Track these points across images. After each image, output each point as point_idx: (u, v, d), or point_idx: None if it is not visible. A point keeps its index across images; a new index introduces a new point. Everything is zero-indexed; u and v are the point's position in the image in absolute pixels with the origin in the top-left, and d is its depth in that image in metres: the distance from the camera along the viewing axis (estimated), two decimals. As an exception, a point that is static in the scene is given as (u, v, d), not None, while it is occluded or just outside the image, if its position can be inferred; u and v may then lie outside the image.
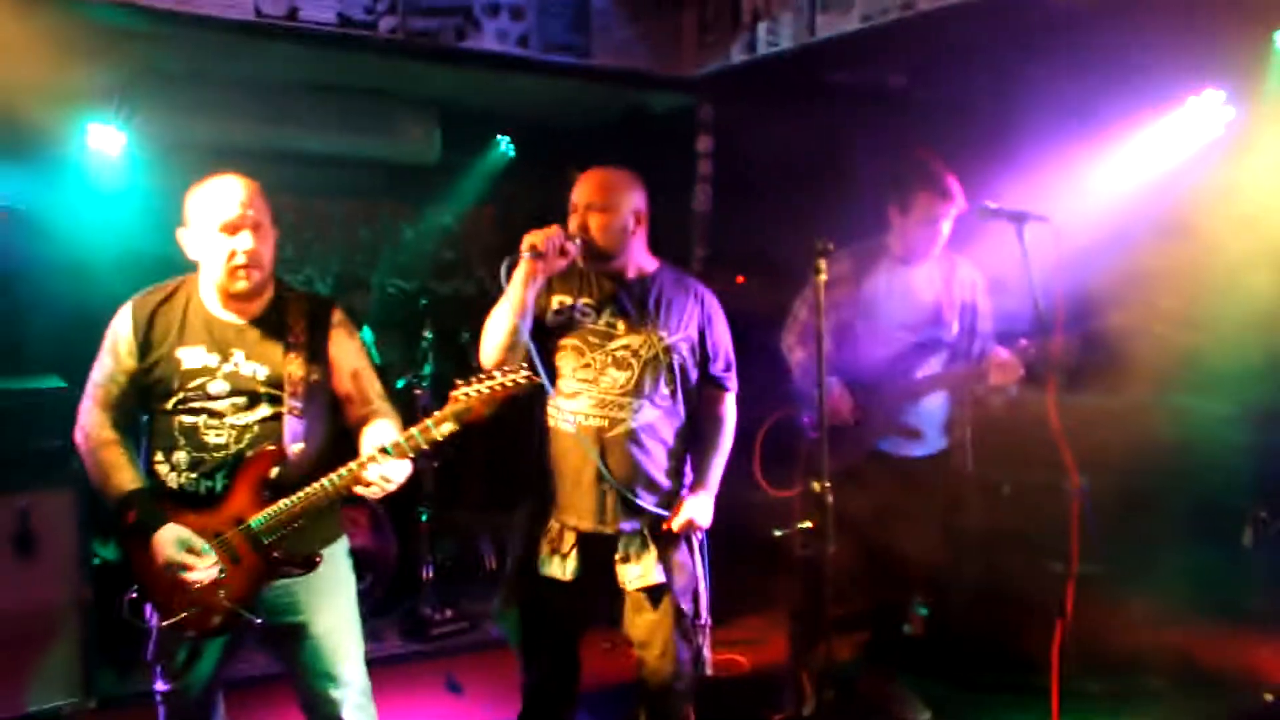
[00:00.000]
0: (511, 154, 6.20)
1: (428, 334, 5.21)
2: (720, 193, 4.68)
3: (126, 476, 2.55)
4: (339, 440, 2.72)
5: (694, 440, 3.13)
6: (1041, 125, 4.10)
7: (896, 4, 3.39)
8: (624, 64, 4.42)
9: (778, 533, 2.75)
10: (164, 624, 2.55)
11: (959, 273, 3.69)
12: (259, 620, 2.57)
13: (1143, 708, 4.00)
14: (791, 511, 3.48)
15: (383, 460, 2.49)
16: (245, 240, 2.52)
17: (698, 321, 3.06)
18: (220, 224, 2.50)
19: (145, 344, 2.57)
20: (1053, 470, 2.95)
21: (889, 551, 3.65)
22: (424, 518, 4.93)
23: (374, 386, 2.77)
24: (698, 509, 3.07)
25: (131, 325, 2.59)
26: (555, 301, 2.98)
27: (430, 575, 4.88)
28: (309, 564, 2.60)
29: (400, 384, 5.31)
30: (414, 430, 2.50)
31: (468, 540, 5.57)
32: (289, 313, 2.66)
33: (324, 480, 2.51)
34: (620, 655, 4.25)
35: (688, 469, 3.12)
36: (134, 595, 2.60)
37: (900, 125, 4.40)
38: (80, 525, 3.82)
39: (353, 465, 2.51)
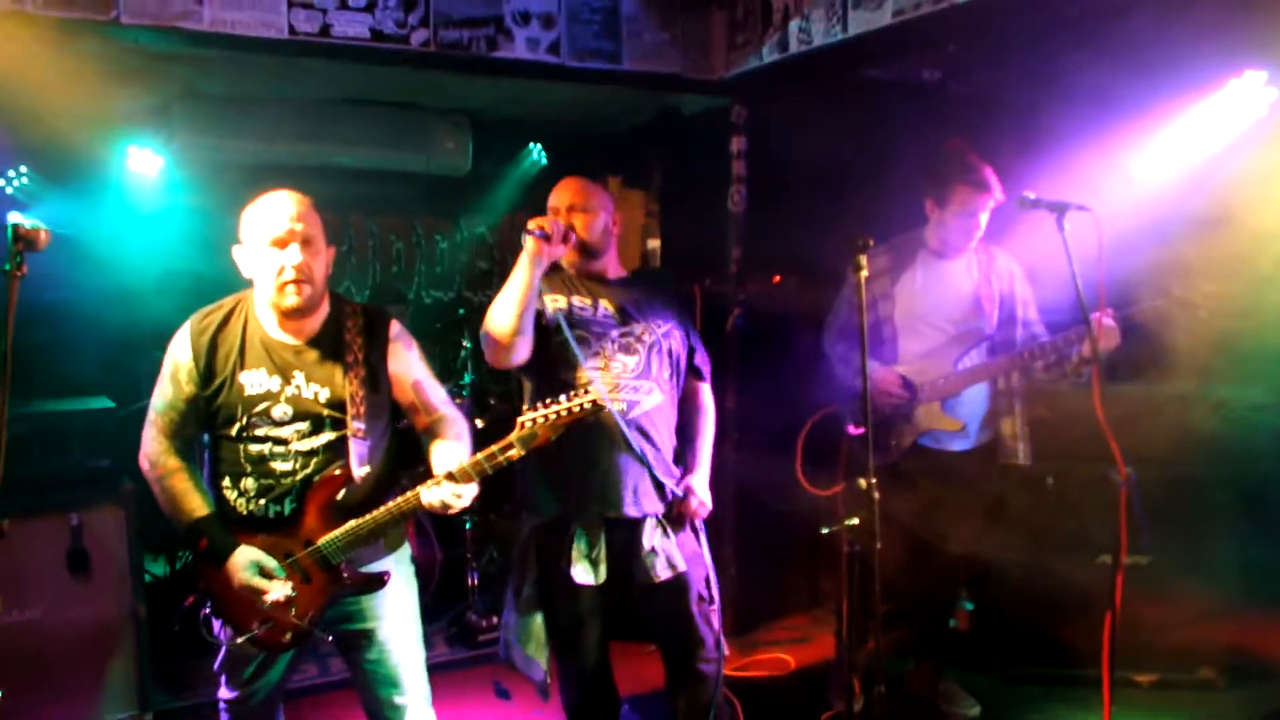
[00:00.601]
0: (544, 162, 6.22)
1: (466, 343, 5.25)
2: (755, 193, 4.66)
3: (195, 503, 2.59)
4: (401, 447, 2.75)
5: (683, 429, 3.27)
6: (1078, 114, 4.05)
7: (930, -4, 3.36)
8: (655, 68, 4.41)
9: (825, 530, 2.74)
10: (237, 640, 2.61)
11: (997, 264, 3.67)
12: (330, 638, 2.64)
13: (1193, 700, 3.94)
14: (834, 511, 3.48)
15: (446, 484, 2.50)
16: (294, 255, 2.53)
17: (678, 315, 3.21)
18: (270, 239, 2.52)
19: (207, 371, 2.59)
20: (1098, 462, 2.93)
21: (933, 547, 3.64)
22: (468, 525, 4.97)
23: (437, 394, 2.77)
24: (704, 490, 3.21)
25: (191, 351, 2.60)
26: (548, 301, 3.05)
27: (476, 582, 4.91)
28: (378, 583, 2.64)
29: (440, 394, 5.35)
30: (480, 456, 2.50)
31: (512, 547, 5.58)
32: (346, 330, 2.66)
33: (390, 505, 2.53)
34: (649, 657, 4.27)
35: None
36: (207, 611, 2.65)
37: (935, 119, 4.37)
38: (131, 542, 3.87)
39: (418, 490, 2.52)
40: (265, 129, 5.51)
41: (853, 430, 3.79)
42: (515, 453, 2.51)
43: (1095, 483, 3.00)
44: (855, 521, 2.66)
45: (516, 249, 2.93)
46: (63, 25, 3.57)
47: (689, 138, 5.39)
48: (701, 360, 3.27)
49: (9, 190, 5.19)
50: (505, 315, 2.85)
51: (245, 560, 2.52)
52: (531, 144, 6.21)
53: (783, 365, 4.32)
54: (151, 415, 2.66)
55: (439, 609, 5.02)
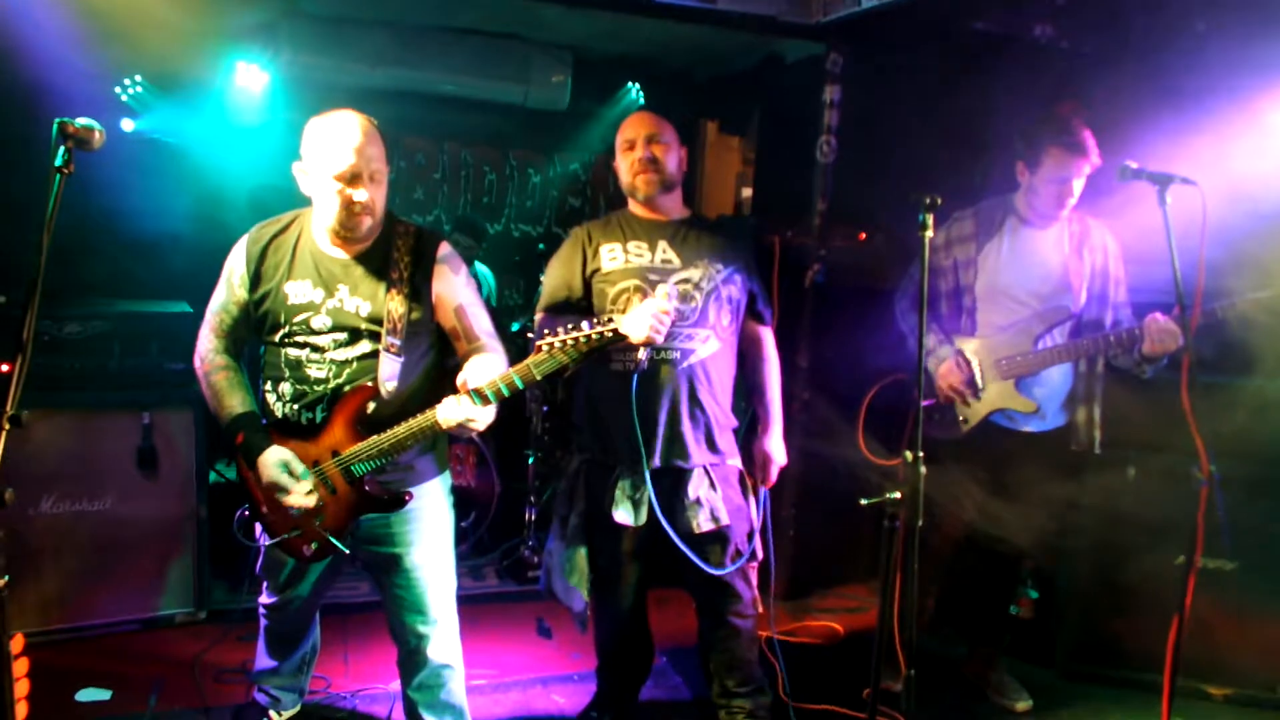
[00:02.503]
0: (641, 102, 6.10)
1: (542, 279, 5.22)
2: (846, 145, 4.47)
3: (236, 400, 2.67)
4: (451, 374, 2.73)
5: (751, 381, 3.22)
6: (1205, 81, 3.73)
7: (1039, -58, 3.11)
8: (751, 8, 4.25)
9: (864, 502, 2.62)
10: (269, 543, 2.70)
11: (1091, 237, 3.42)
12: (347, 551, 2.66)
13: (1264, 717, 3.69)
14: (897, 480, 3.34)
15: (461, 403, 2.48)
16: (360, 191, 2.53)
17: (742, 258, 3.10)
18: (335, 173, 2.51)
19: (256, 276, 2.66)
20: (1182, 455, 2.74)
21: (996, 530, 3.47)
22: (531, 460, 4.98)
23: (480, 323, 2.73)
24: (779, 450, 3.20)
25: (245, 258, 2.67)
26: (605, 250, 3.00)
27: (533, 518, 4.93)
28: (398, 502, 2.66)
29: (515, 327, 5.36)
30: (498, 378, 2.49)
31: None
32: (395, 248, 2.66)
33: (410, 421, 2.53)
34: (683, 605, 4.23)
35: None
36: (246, 513, 2.73)
37: (1044, 79, 4.09)
38: (198, 444, 4.01)
39: (435, 408, 2.52)
40: (368, 51, 5.55)
41: (925, 401, 3.63)
42: (533, 375, 2.47)
43: (1178, 478, 2.80)
44: (897, 495, 2.51)
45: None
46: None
47: (788, 85, 5.21)
48: (764, 306, 3.18)
49: (124, 98, 5.35)
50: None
51: (275, 459, 2.57)
52: (630, 83, 6.09)
53: (859, 327, 4.15)
54: (207, 315, 2.75)
55: (494, 541, 5.07)
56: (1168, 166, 2.80)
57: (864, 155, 4.44)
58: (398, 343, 2.60)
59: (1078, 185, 3.28)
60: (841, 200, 4.51)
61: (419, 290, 2.66)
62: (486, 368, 2.59)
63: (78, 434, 3.80)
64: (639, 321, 2.64)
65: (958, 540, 3.66)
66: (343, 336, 2.61)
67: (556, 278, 3.07)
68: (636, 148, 3.01)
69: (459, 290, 2.72)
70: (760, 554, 3.18)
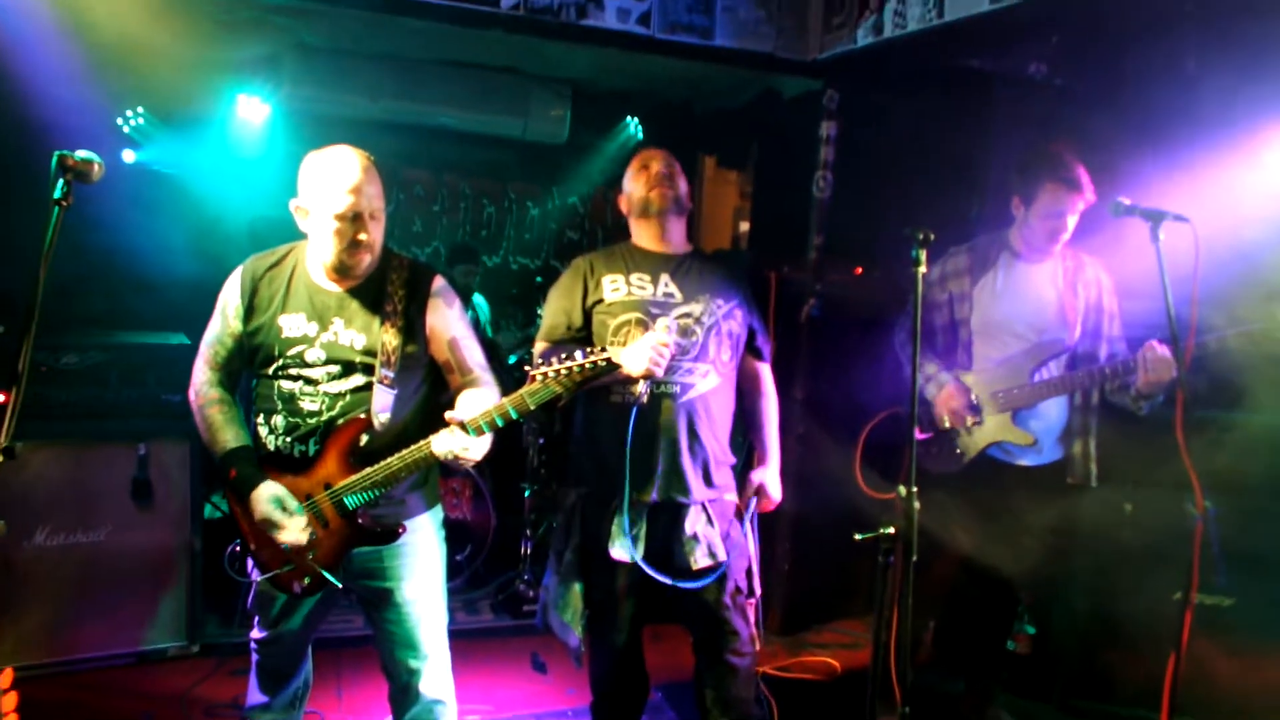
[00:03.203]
0: (640, 136, 6.16)
1: (540, 311, 5.23)
2: (842, 181, 4.51)
3: (230, 435, 2.65)
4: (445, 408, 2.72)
5: (749, 416, 3.23)
6: (1199, 120, 3.77)
7: (1032, -18, 3.16)
8: (748, 46, 4.30)
9: (858, 536, 2.62)
10: (261, 579, 2.67)
11: (1085, 273, 3.44)
12: (340, 585, 2.63)
13: (1259, 757, 3.67)
14: (894, 514, 3.33)
15: (454, 435, 2.47)
16: (358, 229, 2.53)
17: (741, 295, 3.11)
18: (334, 214, 2.50)
19: (250, 309, 2.65)
20: (1178, 490, 2.74)
21: (993, 564, 3.46)
22: (527, 493, 4.97)
23: (473, 356, 2.73)
24: (775, 484, 3.19)
25: (239, 290, 2.67)
26: (608, 281, 3.00)
27: (529, 552, 4.91)
28: (391, 535, 2.64)
29: (512, 360, 5.37)
30: (491, 408, 2.48)
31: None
32: (389, 281, 2.66)
33: (403, 452, 2.52)
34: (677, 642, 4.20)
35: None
36: (237, 548, 2.72)
37: (1039, 116, 4.14)
38: (194, 476, 4.00)
39: (430, 439, 2.51)
40: (370, 85, 5.62)
41: (918, 434, 3.64)
42: (527, 405, 2.46)
43: (1174, 512, 2.80)
44: (891, 530, 2.51)
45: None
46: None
47: (786, 121, 5.25)
48: (762, 341, 3.20)
49: (125, 129, 5.39)
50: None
51: (268, 494, 2.56)
52: (629, 117, 6.14)
53: (856, 360, 4.17)
54: (202, 347, 2.74)
55: (489, 575, 5.05)
56: (1160, 203, 2.82)
57: (860, 190, 4.48)
58: (391, 375, 2.59)
59: (1071, 221, 3.31)
60: (838, 235, 4.55)
61: (413, 323, 2.66)
62: (478, 400, 2.58)
63: (73, 465, 3.80)
64: (638, 355, 2.65)
65: (954, 575, 3.65)
66: (336, 369, 2.60)
67: (557, 309, 3.06)
68: (651, 167, 3.05)
69: (453, 324, 2.72)
70: (759, 591, 3.15)
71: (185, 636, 4.00)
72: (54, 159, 2.06)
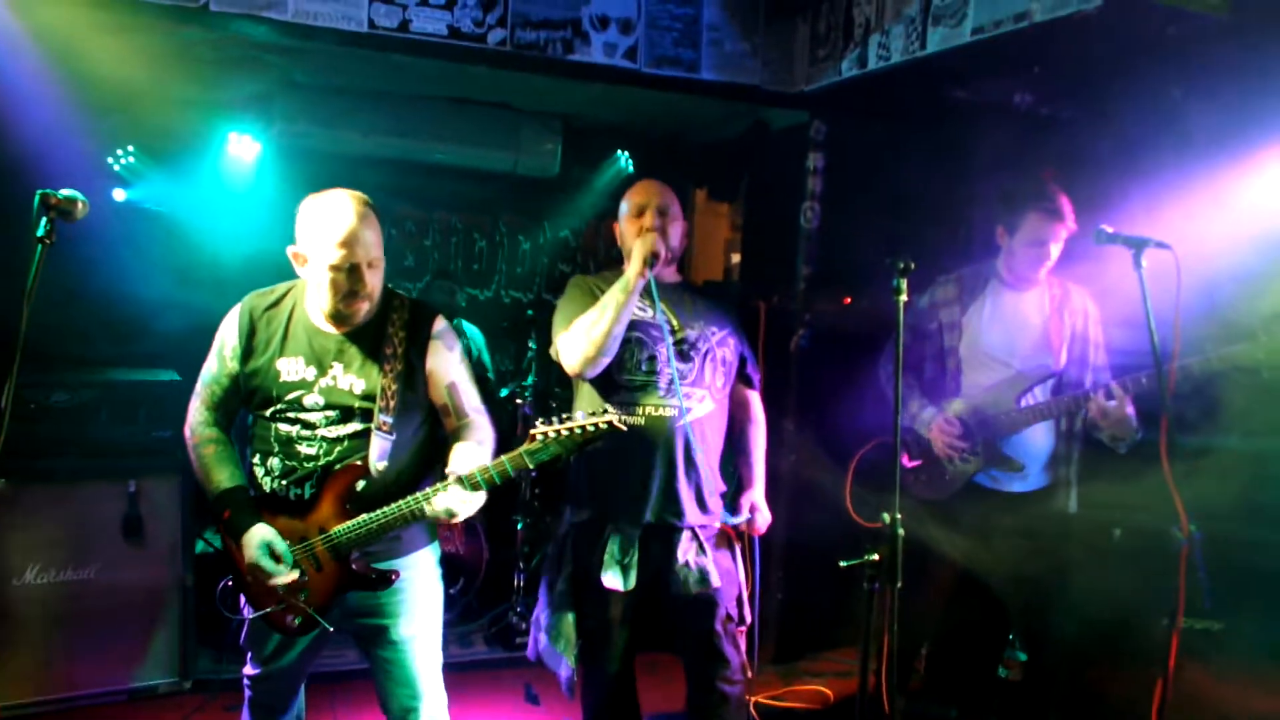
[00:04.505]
0: (630, 169, 6.20)
1: (532, 345, 5.26)
2: (830, 211, 4.55)
3: (224, 475, 2.63)
4: (443, 448, 2.72)
5: (737, 440, 3.27)
6: (1184, 150, 3.81)
7: (1010, 15, 3.21)
8: (734, 78, 4.35)
9: (843, 564, 2.62)
10: (252, 616, 2.66)
11: (1072, 300, 3.47)
12: (331, 629, 2.62)
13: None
14: (883, 542, 3.33)
15: (451, 491, 2.47)
16: (355, 281, 2.52)
17: (732, 324, 3.17)
18: (329, 265, 2.49)
19: (247, 350, 2.63)
20: (1165, 515, 2.75)
21: (982, 590, 3.47)
22: (519, 526, 4.96)
23: (469, 400, 2.72)
24: (764, 505, 3.24)
25: (237, 330, 2.65)
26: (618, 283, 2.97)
27: (521, 584, 4.90)
28: (384, 582, 2.62)
29: (504, 392, 5.38)
30: (490, 464, 2.48)
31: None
32: (389, 323, 2.64)
33: (398, 503, 2.51)
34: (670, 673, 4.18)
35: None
36: (230, 584, 2.69)
37: (1023, 146, 4.18)
38: (184, 512, 4.00)
39: (424, 493, 2.50)
40: (360, 121, 5.66)
41: (906, 462, 3.65)
42: (526, 464, 2.47)
43: (1162, 538, 2.80)
44: (875, 557, 2.51)
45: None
46: (159, 10, 3.72)
47: (774, 153, 5.31)
48: (753, 369, 3.24)
49: (116, 168, 5.42)
50: (601, 335, 2.85)
51: (257, 539, 2.53)
52: (620, 151, 6.19)
53: (845, 390, 4.19)
54: (198, 386, 2.72)
55: (482, 607, 5.03)
56: (1146, 230, 2.85)
57: (847, 220, 4.52)
58: (390, 421, 2.56)
59: (1055, 249, 3.34)
60: (826, 265, 4.58)
61: (413, 366, 2.64)
62: (474, 454, 2.57)
63: (64, 502, 3.79)
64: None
65: (945, 601, 3.65)
66: (334, 414, 2.58)
67: (571, 313, 3.02)
68: (646, 216, 3.03)
69: (452, 367, 2.70)
70: (750, 618, 3.16)
71: (177, 673, 3.98)
72: (36, 197, 2.07)
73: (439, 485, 2.49)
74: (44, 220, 2.07)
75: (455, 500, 2.46)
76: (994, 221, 3.52)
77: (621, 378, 2.98)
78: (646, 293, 2.99)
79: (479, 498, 2.50)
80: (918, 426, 3.56)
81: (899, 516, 2.49)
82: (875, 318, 4.40)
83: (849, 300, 4.76)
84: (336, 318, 2.59)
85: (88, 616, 3.80)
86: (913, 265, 2.52)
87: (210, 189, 5.57)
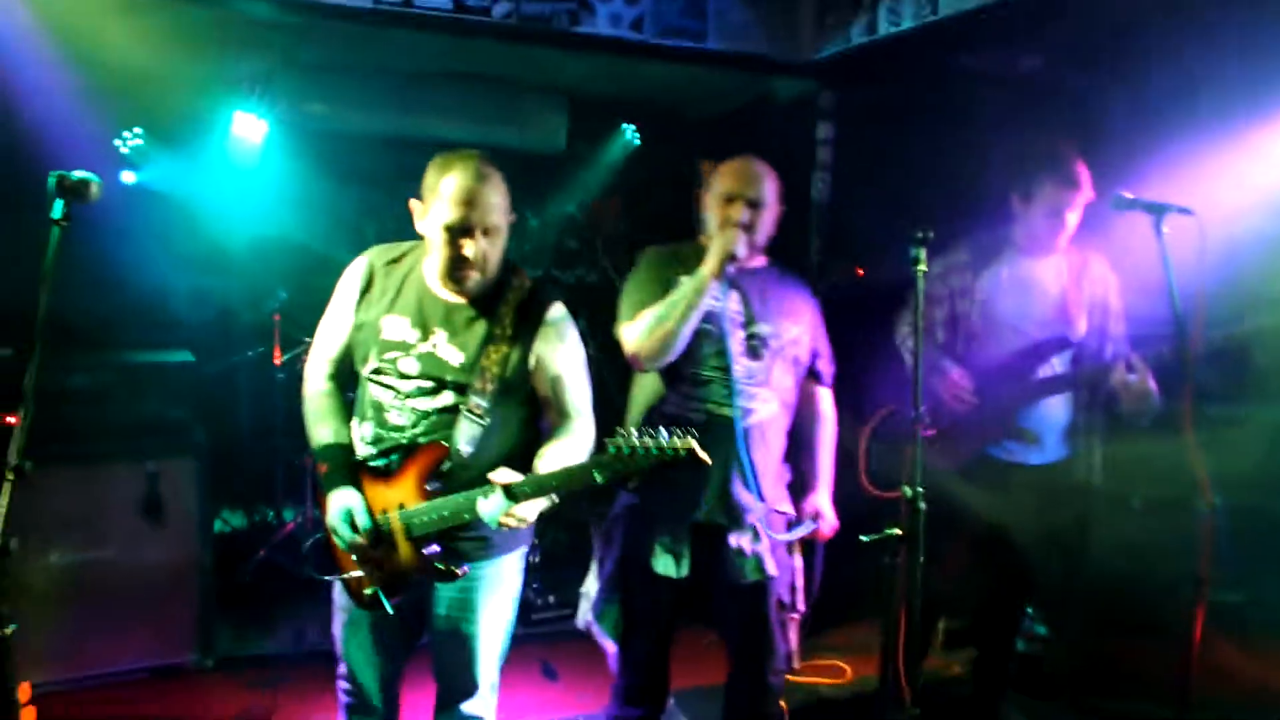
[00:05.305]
0: (637, 143, 6.16)
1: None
2: (841, 181, 4.51)
3: (326, 429, 2.57)
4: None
5: (803, 438, 3.10)
6: (1199, 112, 3.77)
7: (1025, -22, 3.16)
8: (741, 48, 4.31)
9: (864, 538, 2.62)
10: (330, 578, 2.60)
11: (1090, 269, 3.42)
12: (391, 611, 2.50)
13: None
14: (898, 514, 3.33)
15: (496, 498, 2.31)
16: (470, 246, 2.41)
17: (810, 318, 3.02)
18: (444, 224, 2.40)
19: (361, 301, 2.56)
20: (1186, 486, 2.73)
21: (1000, 562, 3.45)
22: (534, 504, 4.95)
23: (571, 397, 2.57)
24: (829, 508, 3.10)
25: (358, 278, 2.57)
26: (681, 282, 2.81)
27: (538, 559, 4.91)
28: (450, 575, 2.48)
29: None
30: (544, 474, 2.33)
31: (579, 527, 5.59)
32: (504, 300, 2.51)
33: (454, 497, 2.40)
34: (717, 653, 4.19)
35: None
36: (320, 541, 2.62)
37: (1035, 111, 4.14)
38: (202, 492, 4.02)
39: (470, 494, 2.37)
40: (366, 99, 5.64)
41: (924, 432, 3.62)
42: (593, 479, 2.27)
43: (1183, 508, 2.78)
44: (897, 531, 2.50)
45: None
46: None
47: (782, 124, 5.26)
48: (825, 365, 3.10)
49: (123, 150, 5.40)
50: (668, 333, 2.70)
51: (339, 504, 2.46)
52: (625, 124, 6.15)
53: (860, 361, 4.17)
54: (317, 337, 2.66)
55: (499, 583, 5.03)
56: (1163, 197, 2.80)
57: (858, 191, 4.49)
58: (484, 405, 2.43)
59: (1071, 218, 3.30)
60: (838, 236, 4.55)
61: (520, 349, 2.50)
62: (552, 458, 2.42)
63: (83, 484, 3.81)
64: None
65: (961, 574, 3.64)
66: (429, 385, 2.47)
67: (645, 295, 2.85)
68: (734, 207, 2.83)
69: (561, 358, 2.55)
70: (802, 607, 3.07)
71: (199, 651, 4.01)
72: (51, 179, 2.05)
73: (484, 490, 2.34)
74: (59, 202, 2.05)
75: (495, 509, 2.31)
76: (1009, 189, 3.47)
77: (687, 369, 2.83)
78: (721, 280, 2.80)
79: (530, 508, 2.34)
80: (935, 379, 3.48)
81: (920, 490, 2.48)
82: (889, 288, 4.40)
83: (862, 271, 4.73)
84: (448, 281, 2.49)
85: (109, 596, 3.82)
86: (931, 235, 2.49)
87: (218, 170, 5.55)
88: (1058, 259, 3.43)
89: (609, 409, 2.92)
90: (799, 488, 3.11)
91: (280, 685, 3.91)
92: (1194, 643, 2.77)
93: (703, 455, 2.25)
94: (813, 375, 3.08)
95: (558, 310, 2.57)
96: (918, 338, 2.50)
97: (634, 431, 2.24)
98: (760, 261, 3.00)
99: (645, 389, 2.94)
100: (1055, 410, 3.42)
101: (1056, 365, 3.39)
